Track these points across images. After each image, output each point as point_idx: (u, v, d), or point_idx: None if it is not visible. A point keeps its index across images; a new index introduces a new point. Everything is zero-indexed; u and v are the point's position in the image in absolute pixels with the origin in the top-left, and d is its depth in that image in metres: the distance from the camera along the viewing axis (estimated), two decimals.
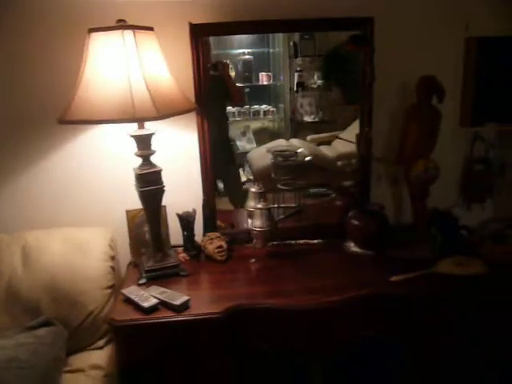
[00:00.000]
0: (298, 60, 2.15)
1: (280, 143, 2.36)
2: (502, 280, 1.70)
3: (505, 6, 1.98)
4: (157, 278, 1.75)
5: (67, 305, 1.66)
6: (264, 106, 2.29)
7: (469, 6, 1.97)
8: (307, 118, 2.23)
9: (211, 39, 1.93)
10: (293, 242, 1.97)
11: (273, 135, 2.35)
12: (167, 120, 1.67)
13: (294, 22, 1.83)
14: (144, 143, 1.69)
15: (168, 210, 1.96)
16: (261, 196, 1.91)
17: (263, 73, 2.20)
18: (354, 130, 2.05)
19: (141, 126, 1.68)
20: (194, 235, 1.95)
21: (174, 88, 1.67)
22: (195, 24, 1.79)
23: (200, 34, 1.80)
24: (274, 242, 1.97)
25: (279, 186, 1.92)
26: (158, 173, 1.72)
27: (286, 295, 1.62)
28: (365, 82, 1.90)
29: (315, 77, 2.18)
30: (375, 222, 1.89)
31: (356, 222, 1.90)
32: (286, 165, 1.95)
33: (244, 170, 2.23)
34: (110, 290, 1.74)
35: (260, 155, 2.20)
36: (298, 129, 2.33)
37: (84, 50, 1.55)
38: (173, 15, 1.82)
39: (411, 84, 1.89)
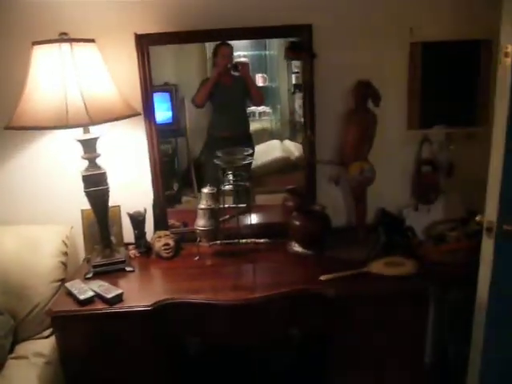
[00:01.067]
0: (295, 62, 2.21)
1: (273, 145, 2.48)
2: (424, 279, 1.74)
3: (448, 11, 2.01)
4: (103, 272, 1.87)
5: (16, 298, 1.80)
6: (260, 108, 2.38)
7: (413, 11, 2.00)
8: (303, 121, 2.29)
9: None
10: (240, 241, 2.05)
11: (270, 136, 2.45)
12: (117, 124, 1.81)
13: (234, 30, 1.91)
14: (89, 147, 1.81)
15: (124, 209, 2.07)
16: (212, 196, 2.00)
17: (259, 74, 2.29)
18: None
19: (86, 131, 1.80)
20: (144, 233, 2.06)
21: (114, 96, 1.78)
22: (140, 34, 1.89)
23: (145, 44, 1.90)
24: (223, 241, 2.06)
25: (223, 187, 2.00)
26: (103, 174, 1.84)
27: (217, 291, 1.72)
28: (306, 87, 1.96)
29: None
30: (316, 223, 1.95)
31: (297, 223, 1.96)
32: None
33: None
34: (58, 284, 1.87)
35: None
36: (295, 129, 2.41)
37: (28, 61, 1.68)
38: (119, 26, 1.92)
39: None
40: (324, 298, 1.68)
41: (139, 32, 1.90)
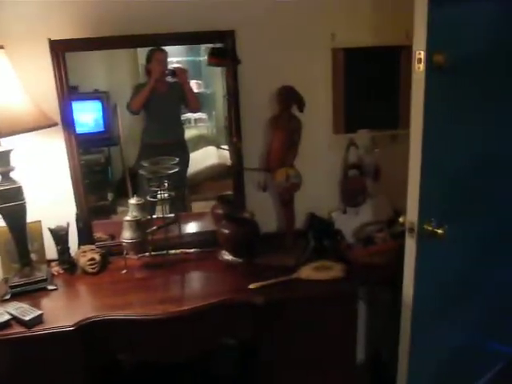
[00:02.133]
0: None
1: (209, 151, 2.44)
2: (352, 282, 1.77)
3: (369, 18, 2.06)
4: (22, 293, 1.76)
5: None
6: (196, 114, 2.35)
7: (334, 17, 2.04)
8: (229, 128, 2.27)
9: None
10: (169, 251, 2.00)
11: (207, 142, 2.42)
12: (32, 135, 1.73)
13: (152, 36, 1.86)
14: (1, 160, 1.70)
15: (46, 223, 1.97)
16: (140, 207, 1.94)
17: (194, 80, 2.25)
18: None
19: None
20: (68, 248, 1.97)
21: (26, 106, 1.68)
22: (54, 40, 1.80)
23: (60, 50, 1.81)
24: (152, 253, 2.00)
25: (149, 199, 1.95)
26: (18, 189, 1.74)
27: (145, 305, 1.66)
28: (230, 93, 1.94)
29: None
30: (244, 230, 1.93)
31: (226, 231, 1.94)
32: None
33: None
34: None
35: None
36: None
37: None
38: (33, 31, 1.82)
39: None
40: (253, 306, 1.66)
41: (55, 38, 1.81)
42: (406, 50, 2.11)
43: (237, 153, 1.99)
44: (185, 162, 2.23)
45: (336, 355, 1.78)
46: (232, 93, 1.93)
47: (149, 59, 2.08)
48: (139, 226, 1.89)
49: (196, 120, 2.43)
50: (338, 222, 2.16)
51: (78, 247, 1.98)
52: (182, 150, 2.25)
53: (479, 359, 2.26)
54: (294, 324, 1.71)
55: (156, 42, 1.92)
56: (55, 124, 1.79)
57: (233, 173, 2.07)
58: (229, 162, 2.35)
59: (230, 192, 2.14)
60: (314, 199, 2.16)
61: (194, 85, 2.30)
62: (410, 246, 1.77)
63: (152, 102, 2.13)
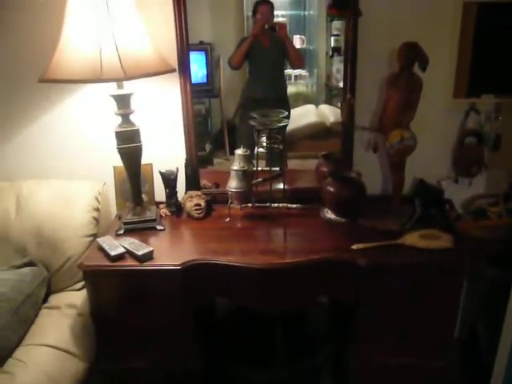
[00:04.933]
0: (335, 23, 2.13)
1: (308, 109, 2.41)
2: (460, 254, 1.68)
3: None
4: (134, 230, 1.88)
5: (50, 249, 1.84)
6: (296, 71, 2.31)
7: None
8: (342, 84, 2.22)
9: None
10: (272, 205, 2.02)
11: (306, 100, 2.38)
12: (151, 81, 1.77)
13: None
14: (122, 102, 1.78)
15: (156, 167, 2.06)
16: (245, 158, 1.96)
17: (297, 36, 2.20)
18: None
19: (120, 86, 1.76)
20: (176, 192, 2.05)
21: (149, 50, 1.72)
22: None
23: None
24: (255, 204, 2.03)
25: (258, 150, 1.96)
26: (136, 131, 1.81)
27: (246, 254, 1.70)
28: (347, 47, 1.86)
29: None
30: (350, 190, 1.89)
31: (331, 189, 1.91)
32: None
33: None
34: (90, 239, 1.89)
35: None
36: (332, 94, 2.34)
37: (64, 11, 1.64)
38: None
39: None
40: (355, 267, 1.64)
41: None
42: None
43: (349, 110, 1.92)
44: (286, 117, 2.20)
45: (434, 328, 1.72)
46: (350, 47, 1.84)
47: (254, 11, 2.05)
48: (245, 176, 1.91)
49: (296, 77, 2.38)
50: (448, 192, 2.04)
51: (185, 192, 2.05)
52: (283, 106, 2.20)
53: None
54: (394, 290, 1.66)
55: None
56: (174, 70, 1.82)
57: (341, 131, 2.01)
58: (328, 121, 2.31)
59: (330, 151, 2.10)
60: (424, 165, 2.04)
61: (298, 40, 2.23)
62: None
63: (254, 57, 2.11)
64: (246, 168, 1.91)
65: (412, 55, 1.76)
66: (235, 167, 1.91)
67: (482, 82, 1.99)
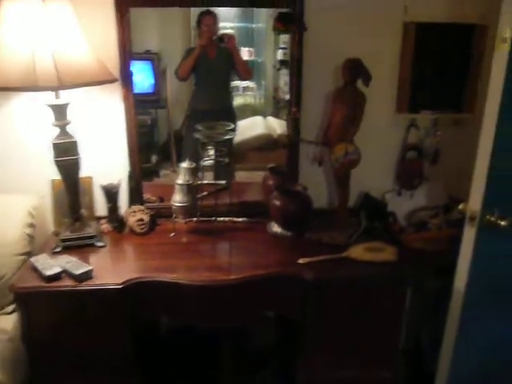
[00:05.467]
0: (283, 37, 2.14)
1: (256, 121, 2.42)
2: (404, 266, 1.71)
3: None
4: (72, 247, 1.77)
5: None
6: (244, 82, 2.31)
7: None
8: (289, 96, 2.22)
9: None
10: (218, 219, 1.98)
11: (253, 112, 2.39)
12: (92, 90, 1.70)
13: None
14: (59, 113, 1.69)
15: (97, 180, 1.97)
16: (191, 171, 1.92)
17: (245, 48, 2.21)
18: None
19: (57, 96, 1.68)
20: (118, 207, 1.96)
21: (89, 58, 1.65)
22: None
23: (125, 4, 1.77)
24: (200, 218, 1.98)
25: (202, 163, 1.92)
26: (74, 143, 1.73)
27: (191, 270, 1.65)
28: (293, 61, 1.87)
29: None
30: (296, 203, 1.88)
31: (277, 203, 1.89)
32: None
33: None
34: (23, 257, 1.77)
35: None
36: (279, 106, 2.36)
37: None
38: None
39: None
40: (301, 282, 1.63)
41: None
42: (481, 30, 2.00)
43: (294, 123, 1.92)
44: (231, 130, 2.18)
45: (379, 340, 1.74)
46: (296, 61, 1.85)
47: (198, 23, 2.02)
48: (190, 190, 1.87)
49: (244, 88, 2.38)
50: (392, 204, 2.08)
51: (128, 206, 1.98)
52: (229, 117, 2.18)
53: None
54: (340, 304, 1.67)
55: (219, 1, 1.85)
56: (115, 80, 1.76)
57: (287, 144, 2.01)
58: (276, 133, 2.32)
59: (277, 163, 2.09)
60: (368, 178, 2.08)
61: (246, 52, 2.25)
62: (469, 235, 1.69)
63: (201, 68, 2.08)
64: (190, 182, 1.87)
65: (355, 71, 1.79)
66: (180, 181, 1.86)
67: (422, 98, 2.05)
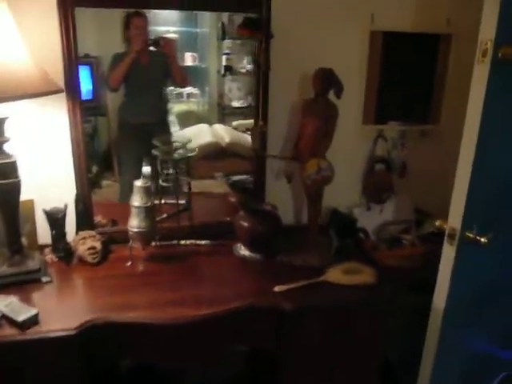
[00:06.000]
0: (227, 42, 2.04)
1: (202, 128, 2.25)
2: (384, 289, 1.62)
3: (410, 1, 1.88)
4: (11, 284, 1.52)
5: None
6: (188, 88, 2.15)
7: None
8: (235, 103, 2.16)
9: None
10: (179, 242, 1.80)
11: (198, 119, 2.24)
12: (32, 102, 1.50)
13: None
14: None
15: (39, 204, 1.72)
16: (147, 191, 1.73)
17: (188, 53, 2.05)
18: None
19: None
20: (64, 234, 1.73)
21: (29, 65, 1.42)
22: None
23: (70, 4, 1.55)
24: (157, 243, 1.79)
25: (161, 183, 1.73)
26: (12, 164, 1.48)
27: (154, 307, 1.45)
28: (259, 71, 1.73)
29: (245, 61, 2.08)
30: (265, 224, 1.75)
31: (244, 223, 1.75)
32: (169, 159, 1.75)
33: None
34: None
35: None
36: (224, 113, 2.26)
37: None
38: None
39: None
40: (279, 312, 1.49)
41: None
42: (445, 39, 1.97)
43: (261, 137, 1.78)
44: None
45: (359, 362, 1.64)
46: (263, 71, 1.71)
47: (126, 25, 1.81)
48: (148, 213, 1.67)
49: (189, 95, 2.23)
50: (361, 219, 2.00)
51: (76, 233, 1.74)
52: (165, 131, 2.02)
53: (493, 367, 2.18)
54: (318, 330, 1.55)
55: (177, 4, 1.67)
56: (61, 90, 1.53)
57: (254, 159, 1.87)
58: (224, 141, 2.18)
59: (225, 172, 2.02)
60: (335, 193, 1.96)
61: (189, 57, 2.10)
62: (449, 253, 1.64)
63: (132, 76, 1.87)
64: (149, 204, 1.67)
65: (328, 81, 1.68)
66: (136, 203, 1.66)
67: (389, 109, 2.00)
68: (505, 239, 1.65)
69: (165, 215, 1.77)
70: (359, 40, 1.89)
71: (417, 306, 1.82)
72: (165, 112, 2.04)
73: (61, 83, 1.59)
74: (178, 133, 2.11)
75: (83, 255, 1.67)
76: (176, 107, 2.15)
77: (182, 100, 2.22)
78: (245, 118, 2.13)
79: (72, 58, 1.60)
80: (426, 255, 1.82)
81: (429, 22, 1.92)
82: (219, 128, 2.26)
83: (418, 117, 2.04)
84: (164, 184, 1.74)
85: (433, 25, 1.93)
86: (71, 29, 1.57)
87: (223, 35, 1.99)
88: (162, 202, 1.81)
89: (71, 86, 1.62)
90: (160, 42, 1.84)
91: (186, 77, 2.02)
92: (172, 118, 2.15)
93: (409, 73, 1.98)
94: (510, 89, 1.46)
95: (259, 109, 1.79)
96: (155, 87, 1.99)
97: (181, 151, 1.73)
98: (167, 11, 1.85)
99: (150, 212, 1.68)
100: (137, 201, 1.67)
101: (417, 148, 2.05)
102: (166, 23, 1.91)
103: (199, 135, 2.31)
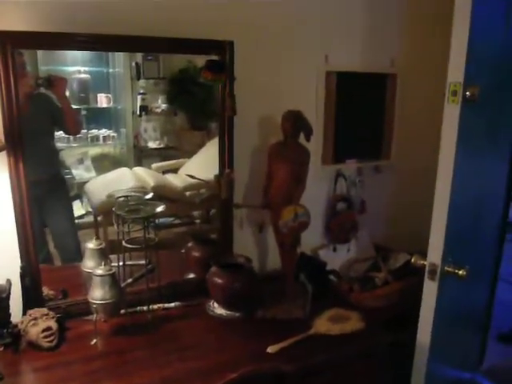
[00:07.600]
0: (141, 82, 1.94)
1: (123, 172, 2.06)
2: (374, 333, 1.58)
3: (359, 43, 1.92)
4: None
5: None
6: (103, 131, 2.00)
7: (328, 38, 1.87)
8: (152, 144, 2.06)
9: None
10: (145, 308, 1.59)
11: (115, 163, 2.09)
12: None
13: (133, 39, 1.48)
14: None
15: None
16: (102, 254, 1.52)
17: (102, 94, 1.90)
18: (201, 156, 1.91)
19: None
20: (9, 316, 1.44)
21: None
22: (2, 31, 1.31)
23: (9, 46, 1.33)
24: (122, 311, 1.56)
25: (124, 244, 1.53)
26: None
27: None
28: (223, 115, 1.63)
29: (159, 100, 1.99)
30: (241, 279, 1.61)
31: (218, 280, 1.60)
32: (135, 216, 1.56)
33: (82, 202, 1.87)
34: None
35: (101, 186, 1.89)
36: (141, 156, 2.11)
37: None
38: None
39: (275, 119, 1.68)
40: (279, 376, 1.36)
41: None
42: (391, 78, 2.04)
43: (229, 185, 1.66)
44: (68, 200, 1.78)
45: None
46: (229, 114, 1.61)
47: None
48: (114, 280, 1.46)
49: (105, 138, 2.09)
50: (329, 261, 1.94)
51: (24, 313, 1.46)
52: (61, 186, 1.77)
53: None
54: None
55: (137, 47, 1.56)
56: (3, 148, 1.29)
57: (221, 209, 1.74)
58: (149, 184, 2.04)
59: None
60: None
61: (104, 99, 1.96)
62: (431, 289, 1.63)
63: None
64: (113, 271, 1.46)
65: (297, 124, 1.62)
66: (100, 271, 1.44)
67: (346, 147, 2.00)
68: (481, 270, 1.70)
69: (130, 280, 1.56)
70: (316, 80, 1.88)
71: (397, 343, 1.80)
72: (58, 165, 1.75)
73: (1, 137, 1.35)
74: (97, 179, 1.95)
75: (36, 339, 1.40)
76: (91, 151, 1.98)
77: (98, 143, 2.05)
78: (162, 160, 2.05)
79: (14, 107, 1.36)
80: (402, 291, 1.81)
81: (375, 63, 1.98)
82: (141, 171, 2.10)
83: (372, 153, 2.07)
84: (128, 245, 1.53)
85: (379, 65, 1.99)
86: (12, 75, 1.34)
87: (138, 75, 1.88)
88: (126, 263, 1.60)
89: (13, 141, 1.37)
90: (53, 81, 1.54)
91: (80, 124, 1.76)
92: (87, 163, 1.97)
93: (361, 111, 2.01)
94: (478, 127, 1.52)
95: (225, 155, 1.68)
96: (42, 137, 1.66)
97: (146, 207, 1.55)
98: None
99: (113, 279, 1.47)
100: (100, 269, 1.44)
101: (372, 184, 2.07)
102: (76, 63, 1.74)
103: (122, 180, 2.12)
